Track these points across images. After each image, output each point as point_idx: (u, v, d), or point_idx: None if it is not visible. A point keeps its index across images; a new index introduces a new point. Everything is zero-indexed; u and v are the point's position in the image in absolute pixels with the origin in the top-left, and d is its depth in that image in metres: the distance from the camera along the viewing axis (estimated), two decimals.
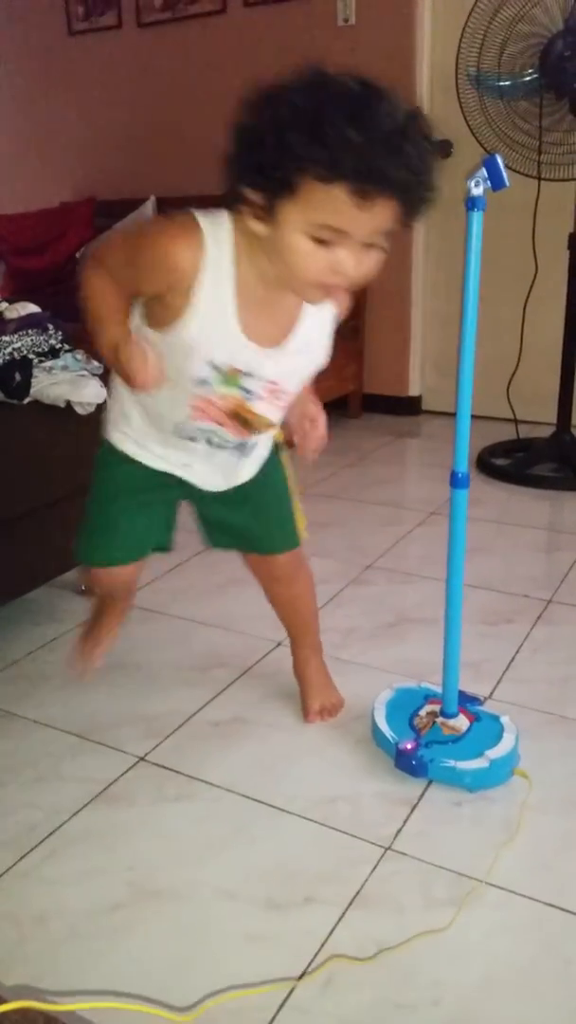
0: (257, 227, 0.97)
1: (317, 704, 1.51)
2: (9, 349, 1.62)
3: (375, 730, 1.40)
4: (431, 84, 3.22)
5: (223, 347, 1.07)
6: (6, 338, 1.63)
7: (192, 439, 1.20)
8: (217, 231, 1.02)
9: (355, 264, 0.96)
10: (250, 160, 0.92)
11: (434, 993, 0.99)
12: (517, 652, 1.72)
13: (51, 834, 1.25)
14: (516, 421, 2.97)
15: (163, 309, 1.06)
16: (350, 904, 1.11)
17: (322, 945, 1.05)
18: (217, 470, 1.26)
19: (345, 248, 0.94)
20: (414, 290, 3.47)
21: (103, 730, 1.49)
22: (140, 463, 1.25)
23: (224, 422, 1.16)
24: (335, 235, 0.93)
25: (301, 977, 1.01)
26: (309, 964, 1.02)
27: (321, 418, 1.25)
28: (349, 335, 3.43)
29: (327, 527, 2.41)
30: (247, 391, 1.12)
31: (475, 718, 1.38)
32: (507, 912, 1.09)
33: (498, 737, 1.33)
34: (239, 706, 1.55)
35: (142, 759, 1.41)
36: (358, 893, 1.13)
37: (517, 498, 2.63)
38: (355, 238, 0.93)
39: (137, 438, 1.24)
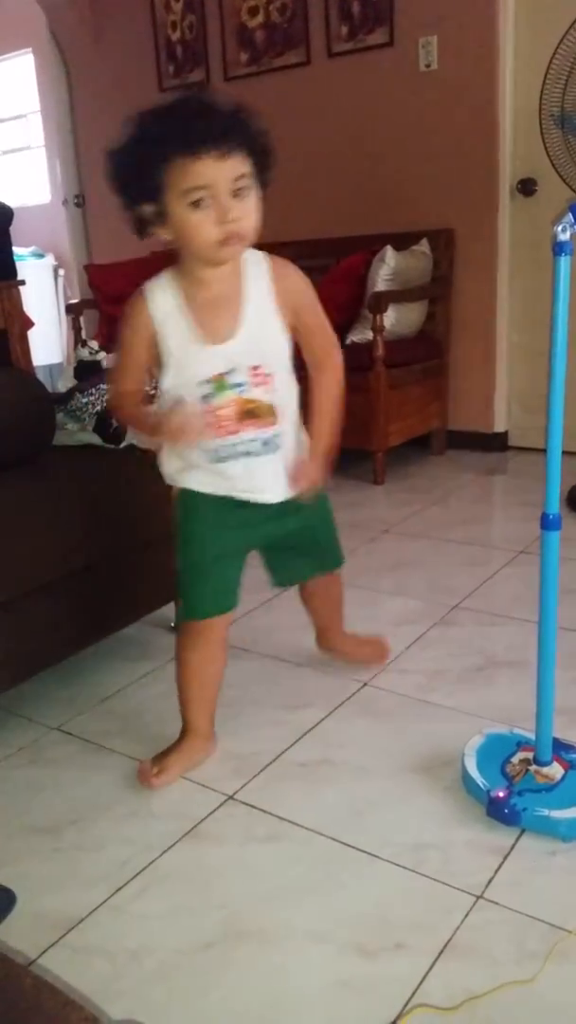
0: (165, 233, 1.22)
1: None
2: (107, 396, 1.69)
3: (465, 777, 1.38)
4: (514, 125, 3.23)
5: (197, 358, 1.28)
6: (104, 386, 1.70)
7: (226, 459, 1.33)
8: (158, 281, 1.30)
9: (232, 207, 1.18)
10: (127, 186, 1.21)
11: None
12: None
13: (143, 870, 1.28)
14: None
15: (161, 358, 1.31)
16: (440, 953, 1.10)
17: (412, 994, 1.04)
18: (261, 475, 1.36)
19: (219, 200, 1.17)
20: (499, 325, 3.45)
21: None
22: (203, 493, 1.38)
23: (238, 428, 1.31)
24: (204, 191, 1.16)
25: None
26: (400, 1013, 1.01)
27: (312, 469, 1.39)
28: (433, 371, 3.42)
29: (411, 566, 2.40)
30: (238, 385, 1.30)
31: (570, 766, 1.35)
32: None
33: None
34: (326, 747, 1.56)
35: (231, 797, 1.43)
36: (448, 942, 1.11)
37: None
38: (219, 188, 1.16)
39: (192, 463, 1.37)
